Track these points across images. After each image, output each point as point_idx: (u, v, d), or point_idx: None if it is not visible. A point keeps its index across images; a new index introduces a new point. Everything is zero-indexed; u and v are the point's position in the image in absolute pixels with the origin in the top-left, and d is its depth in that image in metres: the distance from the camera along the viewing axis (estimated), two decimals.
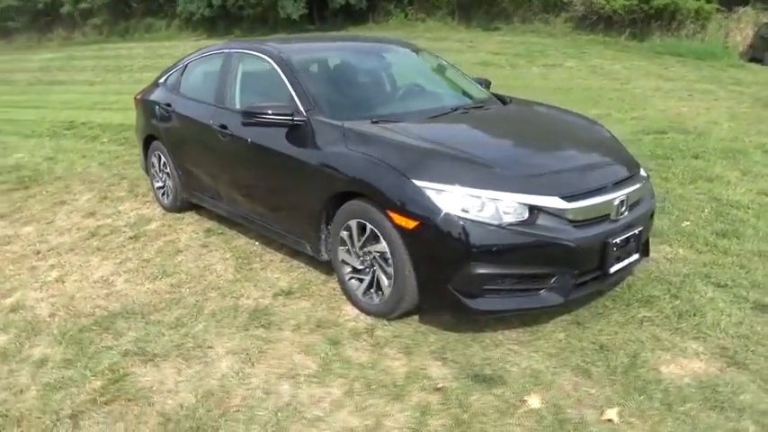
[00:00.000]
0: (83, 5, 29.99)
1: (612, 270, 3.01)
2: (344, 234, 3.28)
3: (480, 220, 2.76)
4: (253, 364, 2.89)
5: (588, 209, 2.91)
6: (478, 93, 4.34)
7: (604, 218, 2.99)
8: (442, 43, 21.35)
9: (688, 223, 4.51)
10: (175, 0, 26.34)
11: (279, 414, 2.50)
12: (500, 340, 3.01)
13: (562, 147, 3.39)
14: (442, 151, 3.03)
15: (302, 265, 3.98)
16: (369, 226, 3.09)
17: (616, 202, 2.99)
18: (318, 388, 2.68)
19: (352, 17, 24.91)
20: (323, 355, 2.92)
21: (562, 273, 2.88)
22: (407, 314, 3.21)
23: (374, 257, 3.15)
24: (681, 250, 4.02)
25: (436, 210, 2.80)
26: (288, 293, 3.60)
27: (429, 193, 2.83)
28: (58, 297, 3.73)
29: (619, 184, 3.08)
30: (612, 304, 3.31)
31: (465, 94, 4.33)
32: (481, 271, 2.78)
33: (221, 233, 4.69)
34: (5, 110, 13.74)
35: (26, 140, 9.38)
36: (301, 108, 3.55)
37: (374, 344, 3.01)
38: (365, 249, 3.20)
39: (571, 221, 2.87)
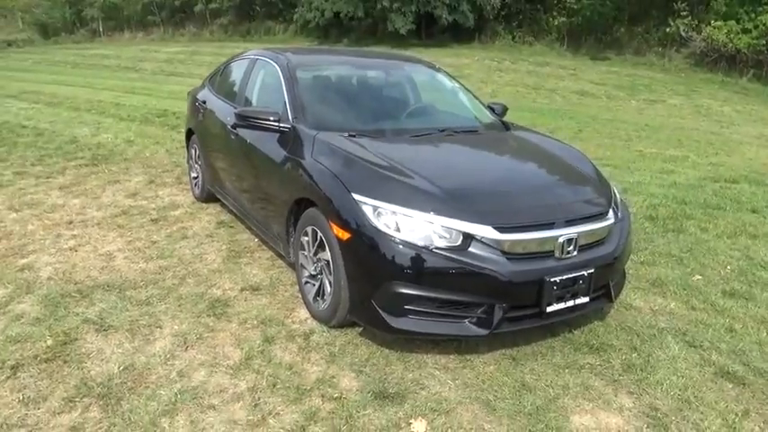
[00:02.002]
0: (213, 5, 32.24)
1: (550, 309, 2.91)
2: (304, 239, 3.40)
3: (409, 240, 2.78)
4: (186, 349, 3.06)
5: (525, 242, 2.84)
6: (484, 117, 4.32)
7: (547, 254, 2.90)
8: (544, 69, 21.03)
9: (699, 278, 4.23)
10: (294, 7, 27.69)
11: (179, 396, 2.65)
12: (425, 362, 2.99)
13: (526, 179, 3.32)
14: (393, 170, 3.06)
15: (283, 265, 4.13)
16: (319, 233, 3.19)
17: (560, 240, 2.89)
18: (228, 379, 2.80)
19: (459, 36, 25.06)
20: (249, 349, 3.04)
21: (490, 304, 2.82)
22: (352, 325, 3.26)
23: (323, 265, 3.24)
24: (673, 304, 3.79)
25: (367, 224, 2.85)
26: (255, 289, 3.77)
27: (365, 208, 2.88)
28: (63, 264, 4.12)
29: (572, 222, 2.98)
30: (560, 345, 3.19)
31: (467, 117, 4.31)
32: (403, 291, 2.79)
33: (231, 227, 4.95)
34: (120, 94, 15.10)
35: (119, 123, 10.29)
36: (290, 116, 3.72)
37: (304, 347, 3.10)
38: (317, 256, 3.29)
39: (506, 253, 2.81)
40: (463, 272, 2.75)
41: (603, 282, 3.15)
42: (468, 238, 2.79)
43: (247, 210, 4.36)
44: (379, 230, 2.82)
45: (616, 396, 2.79)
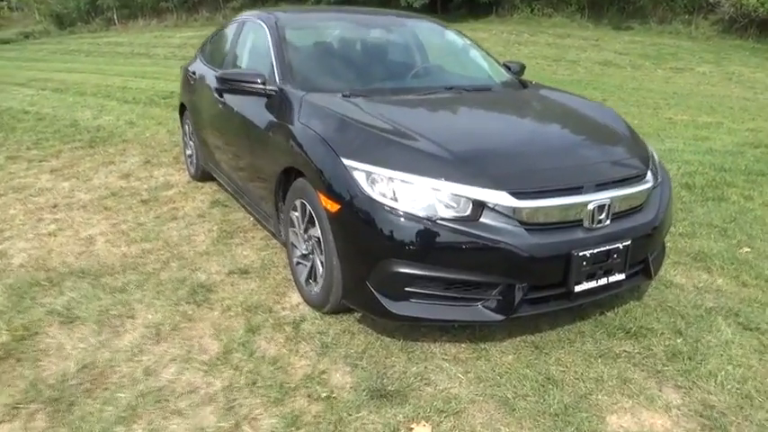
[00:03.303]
0: None
1: (579, 289, 2.45)
2: (293, 214, 2.99)
3: (409, 210, 2.33)
4: (158, 342, 2.67)
5: (547, 210, 2.38)
6: (498, 75, 3.83)
7: (574, 224, 2.44)
8: (565, 40, 20.27)
9: (748, 250, 3.72)
10: None
11: (141, 399, 2.26)
12: (433, 353, 2.56)
13: (548, 139, 2.84)
14: (392, 132, 2.61)
15: (278, 245, 3.72)
16: (308, 207, 2.77)
17: (591, 207, 2.42)
18: (202, 377, 2.40)
19: (476, 10, 24.28)
20: (229, 341, 2.64)
21: (507, 285, 2.38)
22: (349, 311, 2.84)
23: (314, 243, 2.82)
24: (720, 280, 3.30)
25: (359, 194, 2.41)
26: (244, 272, 3.37)
27: (356, 174, 2.45)
28: (38, 249, 3.76)
29: (604, 186, 2.51)
30: (591, 330, 2.73)
31: (480, 75, 3.83)
32: (402, 270, 2.35)
33: (226, 206, 4.56)
34: (129, 79, 14.79)
35: (122, 106, 9.95)
36: (277, 77, 3.28)
37: (292, 337, 2.69)
38: (308, 233, 2.88)
39: (524, 224, 2.35)
40: (474, 247, 2.30)
41: (641, 256, 2.68)
42: (480, 206, 2.33)
43: (239, 186, 3.95)
44: (373, 200, 2.38)
45: (660, 391, 2.33)
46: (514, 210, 2.34)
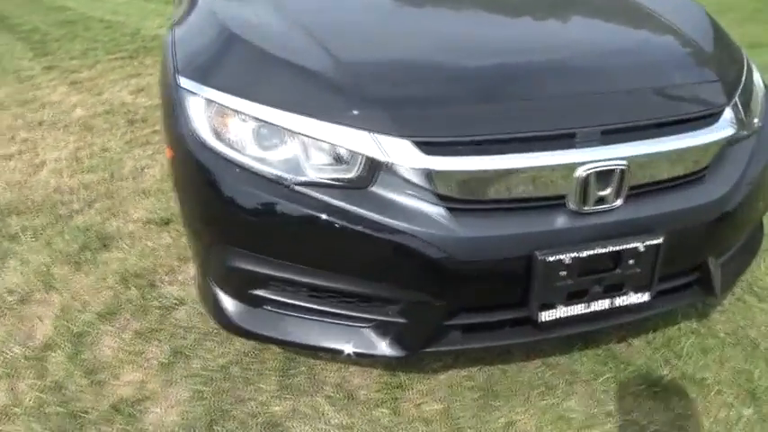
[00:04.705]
0: None
1: (550, 316, 1.40)
2: None
3: (254, 165, 1.39)
4: None
5: (493, 177, 1.32)
6: None
7: (551, 203, 1.36)
8: None
9: None
10: None
11: None
12: (323, 381, 1.67)
13: (537, 42, 1.66)
14: (275, 34, 1.63)
15: None
16: None
17: (581, 173, 1.32)
18: None
19: None
20: (59, 332, 1.91)
21: (414, 302, 1.39)
22: None
23: None
24: None
25: (190, 134, 1.48)
26: (165, 222, 2.63)
27: (191, 102, 1.51)
28: None
29: (617, 133, 1.38)
30: (591, 370, 1.68)
31: None
32: (241, 265, 1.44)
33: None
34: None
35: None
36: None
37: (148, 332, 1.90)
38: None
39: (449, 200, 1.33)
40: (355, 234, 1.32)
41: (693, 260, 1.54)
42: (373, 165, 1.33)
43: None
44: (205, 146, 1.44)
45: None
46: (429, 174, 1.30)
